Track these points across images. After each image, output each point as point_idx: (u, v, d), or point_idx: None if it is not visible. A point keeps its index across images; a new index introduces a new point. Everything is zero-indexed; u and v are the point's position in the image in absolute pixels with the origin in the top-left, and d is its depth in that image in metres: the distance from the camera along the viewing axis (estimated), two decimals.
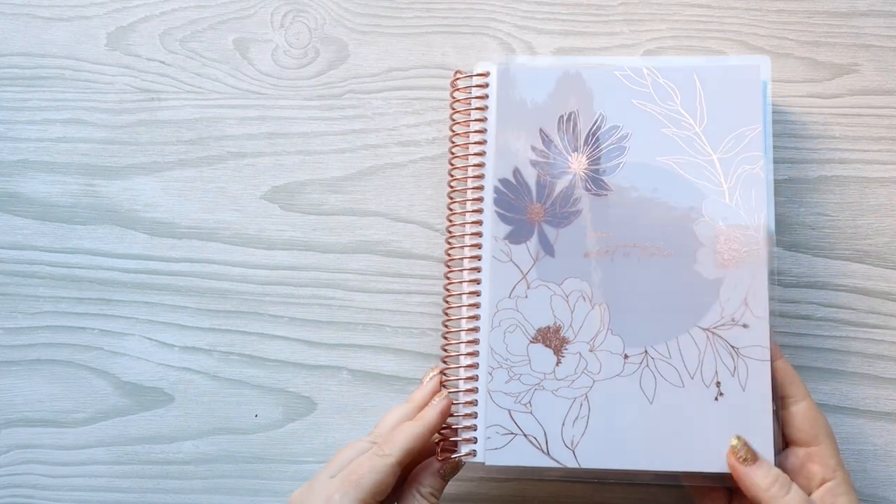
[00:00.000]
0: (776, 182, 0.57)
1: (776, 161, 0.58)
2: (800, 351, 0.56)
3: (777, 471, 0.47)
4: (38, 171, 0.61)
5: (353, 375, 0.59)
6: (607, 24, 0.60)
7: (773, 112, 0.58)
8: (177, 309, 0.60)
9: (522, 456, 0.50)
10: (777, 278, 0.57)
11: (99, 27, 0.61)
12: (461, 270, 0.53)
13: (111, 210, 0.60)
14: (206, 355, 0.59)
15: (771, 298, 0.50)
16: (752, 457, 0.47)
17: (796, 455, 0.49)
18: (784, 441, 0.50)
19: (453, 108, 0.55)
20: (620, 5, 0.60)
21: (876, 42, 0.58)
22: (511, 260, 0.52)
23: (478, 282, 0.52)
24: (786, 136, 0.58)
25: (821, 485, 0.47)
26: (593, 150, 0.53)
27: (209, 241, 0.60)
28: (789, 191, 0.57)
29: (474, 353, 0.51)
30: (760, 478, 0.46)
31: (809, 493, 0.47)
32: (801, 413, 0.48)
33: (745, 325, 0.50)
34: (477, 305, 0.52)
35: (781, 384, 0.49)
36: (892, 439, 0.56)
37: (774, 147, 0.58)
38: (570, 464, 0.49)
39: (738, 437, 0.48)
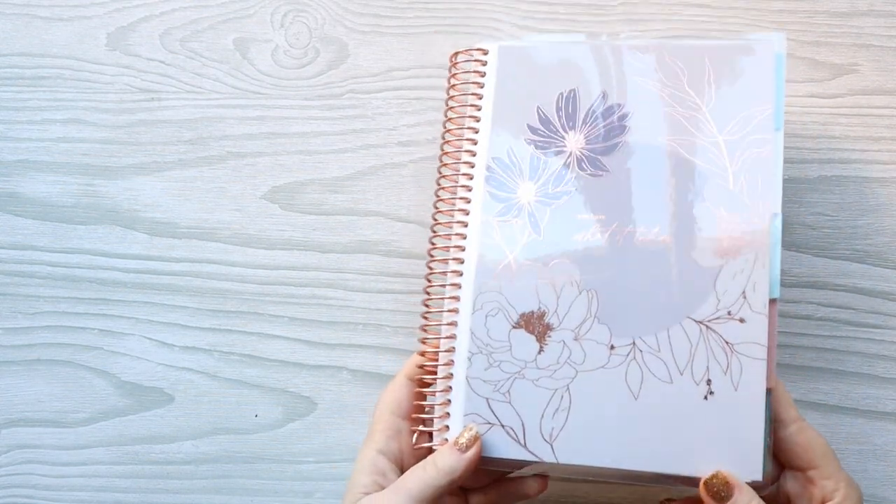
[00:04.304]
0: None
1: None
2: (800, 351, 0.56)
3: (755, 502, 0.44)
4: (38, 171, 0.61)
5: (353, 375, 0.59)
6: (607, 24, 0.60)
7: None
8: (177, 309, 0.60)
9: (499, 448, 0.47)
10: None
11: (99, 27, 0.61)
12: (446, 248, 0.50)
13: (111, 210, 0.60)
14: (206, 355, 0.59)
15: (781, 300, 0.46)
16: (728, 493, 0.44)
17: (796, 478, 0.47)
18: (780, 464, 0.48)
19: (450, 83, 0.53)
20: (620, 5, 0.60)
21: (876, 42, 0.58)
22: (498, 240, 0.50)
23: (462, 261, 0.50)
24: (786, 135, 0.58)
25: None
26: (591, 129, 0.50)
27: (209, 241, 0.60)
28: (789, 191, 0.57)
29: (453, 336, 0.49)
30: None
31: None
32: (793, 437, 0.46)
33: (741, 320, 0.46)
34: (459, 286, 0.49)
35: (773, 407, 0.46)
36: (892, 439, 0.56)
37: None
38: (548, 458, 0.47)
39: (717, 474, 0.45)
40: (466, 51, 0.53)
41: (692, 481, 0.46)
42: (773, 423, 0.47)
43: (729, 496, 0.44)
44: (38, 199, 0.61)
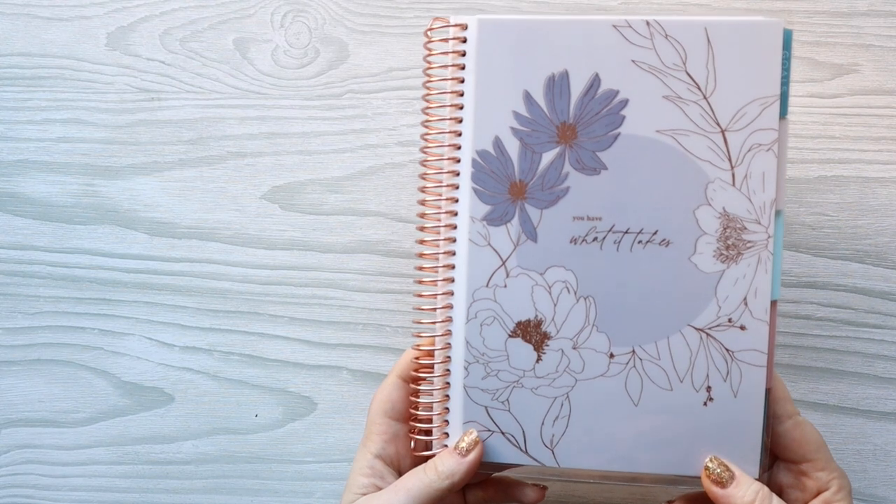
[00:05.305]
0: None
1: None
2: (800, 351, 0.56)
3: (757, 485, 0.44)
4: (38, 171, 0.61)
5: (353, 375, 0.59)
6: None
7: None
8: (177, 309, 0.60)
9: (499, 453, 0.47)
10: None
11: (99, 27, 0.61)
12: (435, 255, 0.48)
13: (111, 210, 0.60)
14: (206, 355, 0.59)
15: (780, 300, 0.46)
16: (728, 476, 0.45)
17: (789, 469, 0.47)
18: (773, 456, 0.48)
19: (428, 63, 0.48)
20: (621, 4, 0.60)
21: (876, 42, 0.58)
22: (489, 244, 0.47)
23: (452, 267, 0.47)
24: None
25: (816, 495, 0.46)
26: (585, 119, 0.46)
27: (209, 241, 0.60)
28: (789, 191, 0.57)
29: (447, 346, 0.48)
30: (739, 497, 0.44)
31: None
32: (789, 432, 0.47)
33: (742, 328, 0.45)
34: (451, 293, 0.47)
35: (770, 404, 0.46)
36: (892, 439, 0.56)
37: None
38: (549, 463, 0.47)
39: (713, 459, 0.45)
40: (442, 26, 0.48)
41: (691, 480, 0.47)
42: (770, 419, 0.47)
43: (731, 477, 0.45)
44: (38, 199, 0.61)
